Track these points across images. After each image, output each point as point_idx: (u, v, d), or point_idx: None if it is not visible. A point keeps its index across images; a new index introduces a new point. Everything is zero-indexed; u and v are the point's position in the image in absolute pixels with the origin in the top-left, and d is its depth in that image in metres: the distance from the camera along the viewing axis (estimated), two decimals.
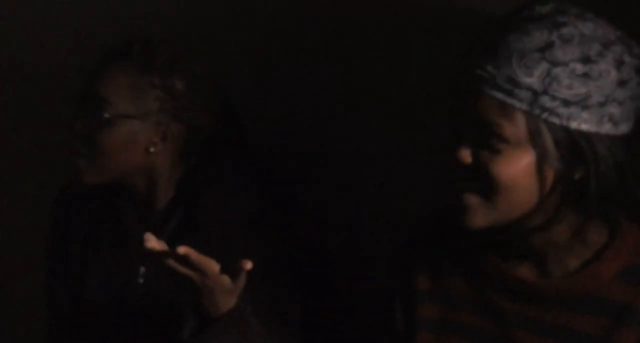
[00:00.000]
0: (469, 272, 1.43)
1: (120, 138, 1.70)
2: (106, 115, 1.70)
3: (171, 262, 1.40)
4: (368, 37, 1.87)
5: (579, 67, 1.24)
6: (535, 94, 1.24)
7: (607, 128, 1.26)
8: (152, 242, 1.41)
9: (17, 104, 2.37)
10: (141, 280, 1.75)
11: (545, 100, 1.24)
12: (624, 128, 1.28)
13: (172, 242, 1.58)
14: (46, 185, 2.04)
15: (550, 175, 1.28)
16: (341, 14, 1.89)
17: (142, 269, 1.75)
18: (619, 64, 1.26)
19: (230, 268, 1.42)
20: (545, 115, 1.25)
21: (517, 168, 1.27)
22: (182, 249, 1.38)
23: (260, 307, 1.54)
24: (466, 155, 1.30)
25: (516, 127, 1.26)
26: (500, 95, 1.25)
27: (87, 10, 2.20)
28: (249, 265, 1.39)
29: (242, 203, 1.71)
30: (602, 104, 1.25)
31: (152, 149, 1.72)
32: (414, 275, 1.48)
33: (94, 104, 1.71)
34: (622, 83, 1.26)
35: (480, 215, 1.31)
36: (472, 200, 1.31)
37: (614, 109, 1.26)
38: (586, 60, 1.25)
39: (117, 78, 1.71)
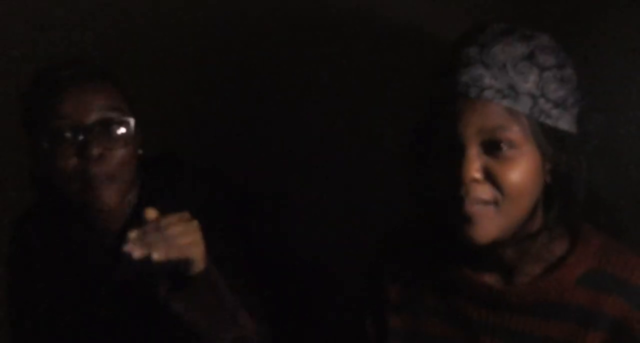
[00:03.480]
0: (438, 283, 1.46)
1: None
2: None
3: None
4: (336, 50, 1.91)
5: (557, 72, 1.32)
6: (534, 97, 1.31)
7: (574, 128, 1.34)
8: (151, 212, 1.44)
9: None
10: (103, 310, 1.75)
11: (543, 103, 1.31)
12: (575, 128, 1.35)
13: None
14: None
15: (545, 176, 1.34)
16: (328, 23, 1.93)
17: (103, 289, 1.74)
18: (574, 69, 1.35)
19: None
20: (542, 117, 1.31)
21: (526, 171, 1.32)
22: (151, 213, 1.43)
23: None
24: (476, 169, 1.32)
25: (522, 131, 1.31)
26: (506, 102, 1.30)
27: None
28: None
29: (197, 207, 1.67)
30: (572, 105, 1.33)
31: None
32: (384, 286, 1.51)
33: None
34: (578, 85, 1.35)
35: (492, 225, 1.33)
36: (481, 210, 1.32)
37: (576, 110, 1.35)
38: (560, 66, 1.32)
39: None
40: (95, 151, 1.62)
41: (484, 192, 1.32)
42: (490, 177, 1.32)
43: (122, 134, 1.66)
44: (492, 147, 1.31)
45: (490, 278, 1.41)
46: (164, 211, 1.64)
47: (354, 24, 1.87)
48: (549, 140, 1.32)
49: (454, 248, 1.42)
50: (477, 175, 1.31)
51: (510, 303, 1.39)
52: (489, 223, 1.32)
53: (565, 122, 1.33)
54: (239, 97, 2.03)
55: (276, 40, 1.97)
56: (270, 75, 1.99)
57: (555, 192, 1.36)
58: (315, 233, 1.93)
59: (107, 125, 1.65)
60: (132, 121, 1.67)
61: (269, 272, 1.75)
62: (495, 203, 1.32)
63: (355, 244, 1.82)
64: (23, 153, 1.74)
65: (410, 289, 1.49)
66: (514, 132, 1.31)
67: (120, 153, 1.65)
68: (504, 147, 1.31)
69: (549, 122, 1.32)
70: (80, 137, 1.63)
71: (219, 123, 2.05)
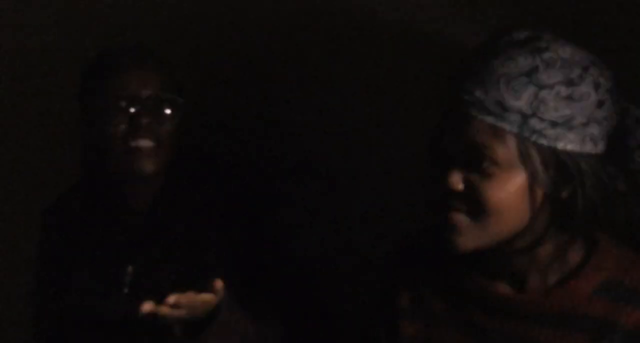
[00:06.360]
0: (451, 290, 1.45)
1: None
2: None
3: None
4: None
5: (563, 90, 1.28)
6: (525, 116, 1.28)
7: (589, 147, 1.30)
8: (147, 306, 1.49)
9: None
10: (126, 290, 1.81)
11: (535, 123, 1.28)
12: (601, 147, 1.32)
13: (157, 235, 1.80)
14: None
15: (539, 196, 1.32)
16: (335, 32, 1.93)
17: (130, 268, 1.81)
18: (597, 86, 1.30)
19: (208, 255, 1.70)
20: (534, 137, 1.29)
21: (509, 190, 1.30)
22: (171, 299, 1.50)
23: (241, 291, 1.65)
24: (457, 181, 1.32)
25: (508, 150, 1.29)
26: (490, 119, 1.29)
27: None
28: (219, 284, 1.52)
29: (221, 195, 1.81)
30: (584, 125, 1.30)
31: None
32: (397, 292, 1.50)
33: None
34: (600, 104, 1.30)
35: (470, 236, 1.33)
36: (462, 221, 1.33)
37: (594, 129, 1.30)
38: (569, 83, 1.29)
39: None
40: (145, 121, 1.74)
41: (463, 203, 1.32)
42: (471, 191, 1.32)
43: (171, 112, 1.78)
44: (476, 162, 1.31)
45: (503, 287, 1.40)
46: (186, 201, 1.81)
47: (364, 26, 1.87)
48: (544, 161, 1.29)
49: (465, 256, 1.40)
50: (459, 186, 1.32)
51: (522, 312, 1.38)
52: (465, 234, 1.33)
53: (568, 143, 1.29)
54: (242, 98, 2.04)
55: (283, 40, 1.97)
56: (275, 75, 2.00)
57: (556, 210, 1.33)
58: (323, 237, 1.94)
59: (159, 102, 1.77)
60: (182, 102, 1.79)
61: (278, 275, 1.77)
62: (474, 215, 1.32)
63: (365, 249, 1.83)
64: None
65: (422, 297, 1.48)
66: (497, 150, 1.29)
67: (165, 129, 1.77)
68: (486, 164, 1.30)
69: (543, 142, 1.29)
70: (133, 109, 1.75)
71: (221, 124, 2.06)
